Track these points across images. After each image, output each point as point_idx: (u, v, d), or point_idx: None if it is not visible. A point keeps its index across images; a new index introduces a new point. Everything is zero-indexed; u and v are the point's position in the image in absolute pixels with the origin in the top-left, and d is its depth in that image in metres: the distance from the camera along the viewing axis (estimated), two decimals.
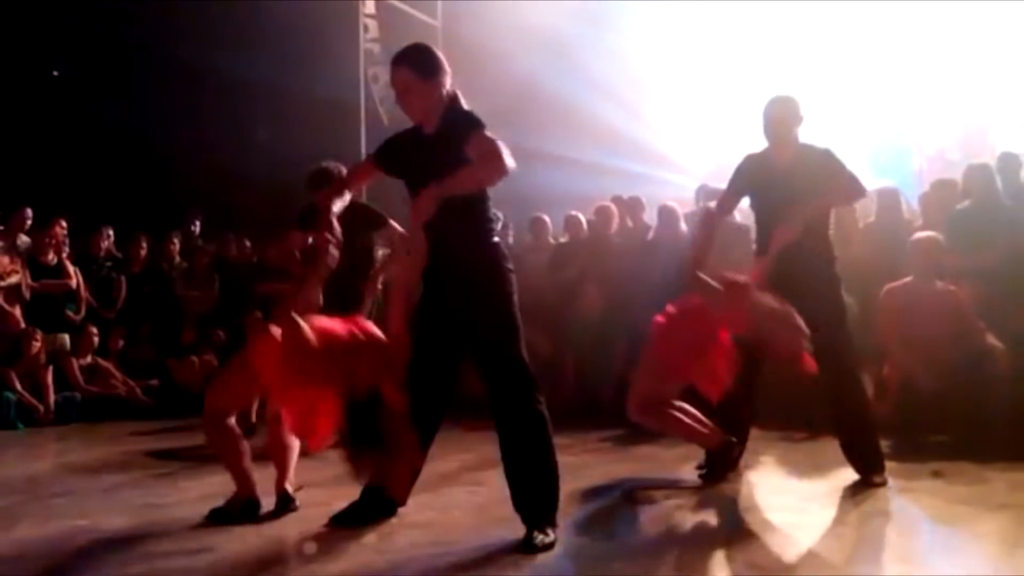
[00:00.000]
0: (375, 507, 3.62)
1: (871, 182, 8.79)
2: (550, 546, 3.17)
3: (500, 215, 3.61)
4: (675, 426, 4.38)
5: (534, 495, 3.31)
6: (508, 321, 3.35)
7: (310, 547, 3.33)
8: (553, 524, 3.28)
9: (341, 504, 3.66)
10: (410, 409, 3.26)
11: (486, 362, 3.39)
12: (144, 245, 8.82)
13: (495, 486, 3.66)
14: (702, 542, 3.34)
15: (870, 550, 3.25)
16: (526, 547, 3.15)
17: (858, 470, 4.21)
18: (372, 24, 11.29)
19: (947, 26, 9.30)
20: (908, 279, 5.60)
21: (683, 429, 4.37)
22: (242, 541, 3.43)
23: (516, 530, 3.31)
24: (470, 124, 3.33)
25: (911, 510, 3.78)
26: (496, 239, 3.49)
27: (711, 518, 3.70)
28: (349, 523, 3.55)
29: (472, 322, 3.39)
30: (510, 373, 3.35)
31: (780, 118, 4.34)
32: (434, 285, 3.49)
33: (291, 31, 10.86)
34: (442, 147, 3.38)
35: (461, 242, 3.37)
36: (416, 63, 3.45)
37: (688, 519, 3.69)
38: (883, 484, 4.13)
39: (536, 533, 3.20)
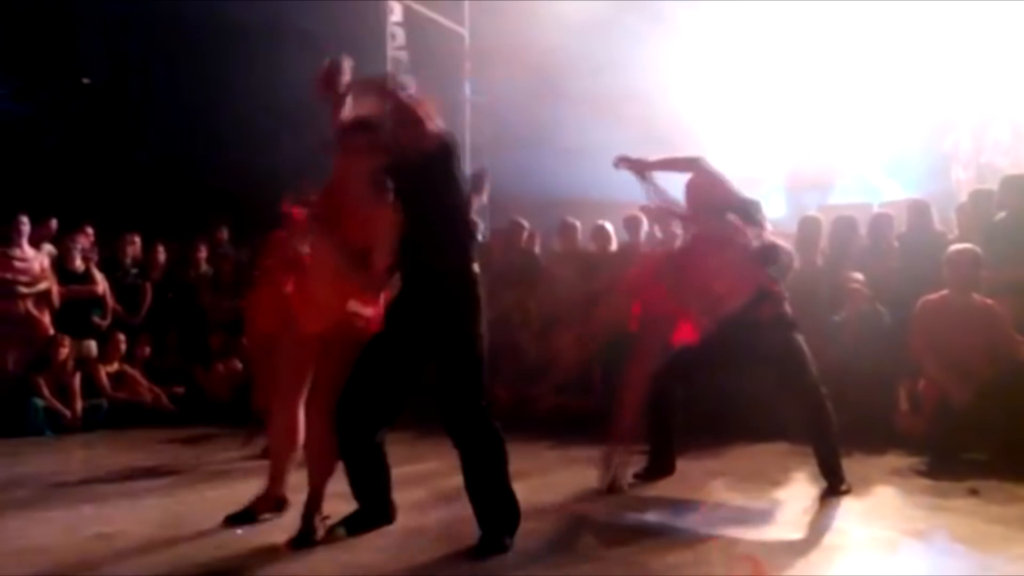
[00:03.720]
0: (372, 517, 3.67)
1: (904, 193, 8.75)
2: (505, 550, 3.27)
3: (480, 224, 3.66)
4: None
5: (495, 514, 3.38)
6: (473, 356, 3.40)
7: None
8: (510, 534, 3.36)
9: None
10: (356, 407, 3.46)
11: (447, 395, 3.42)
12: (163, 252, 8.85)
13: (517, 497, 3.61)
14: (732, 559, 3.28)
15: (904, 570, 3.18)
16: (479, 552, 3.27)
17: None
18: (399, 32, 11.30)
19: (988, 35, 9.16)
20: (944, 292, 5.49)
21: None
22: (263, 548, 3.44)
23: (537, 539, 3.39)
24: None
25: (946, 529, 3.70)
26: (471, 257, 3.49)
27: (740, 534, 3.63)
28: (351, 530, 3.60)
29: (438, 349, 3.42)
30: (471, 409, 3.39)
31: None
32: (407, 295, 3.51)
33: (317, 38, 10.89)
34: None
35: (437, 257, 3.41)
36: None
37: (717, 535, 3.63)
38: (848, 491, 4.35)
39: (490, 543, 3.31)
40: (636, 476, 4.76)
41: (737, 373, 4.87)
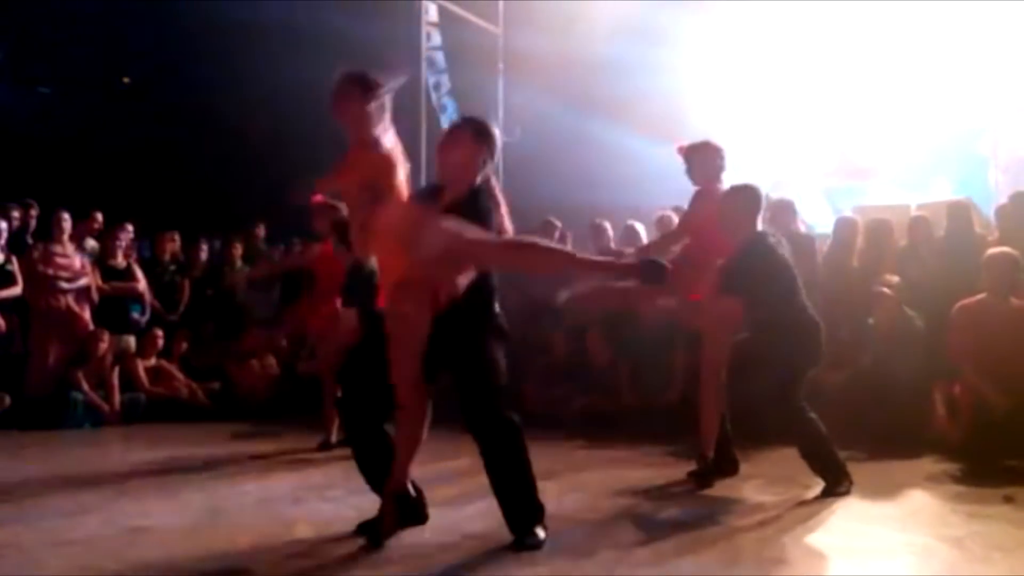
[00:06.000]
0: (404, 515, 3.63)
1: (943, 194, 8.62)
2: (539, 545, 3.36)
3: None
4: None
5: (520, 509, 3.45)
6: (482, 360, 3.45)
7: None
8: (541, 525, 3.44)
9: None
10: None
11: (461, 395, 3.48)
12: (205, 249, 8.98)
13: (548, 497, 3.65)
14: (764, 564, 3.27)
15: None
16: (517, 546, 3.36)
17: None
18: (434, 32, 11.35)
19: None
20: (982, 296, 5.41)
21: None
22: (298, 542, 3.49)
23: (567, 539, 3.42)
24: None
25: (981, 536, 3.65)
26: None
27: (773, 539, 3.62)
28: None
29: (447, 355, 3.46)
30: (483, 408, 3.45)
31: None
32: None
33: (353, 38, 10.97)
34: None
35: None
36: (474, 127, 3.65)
37: (750, 540, 3.62)
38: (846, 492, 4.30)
39: (525, 538, 3.38)
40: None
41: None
